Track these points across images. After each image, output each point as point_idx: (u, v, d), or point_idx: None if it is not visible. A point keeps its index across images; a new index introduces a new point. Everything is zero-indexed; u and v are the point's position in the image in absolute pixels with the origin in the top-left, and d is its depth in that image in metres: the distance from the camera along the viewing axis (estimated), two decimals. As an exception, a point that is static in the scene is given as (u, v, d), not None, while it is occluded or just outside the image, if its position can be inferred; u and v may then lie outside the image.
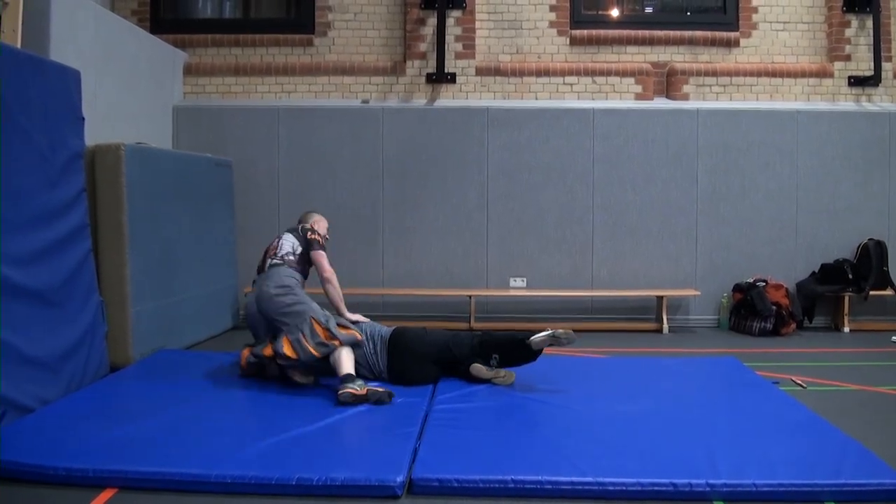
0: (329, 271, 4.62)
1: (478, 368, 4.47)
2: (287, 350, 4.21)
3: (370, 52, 7.39)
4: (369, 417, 3.83)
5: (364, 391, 4.03)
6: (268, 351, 4.32)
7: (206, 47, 7.41)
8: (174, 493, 2.97)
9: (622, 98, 7.25)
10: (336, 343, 4.22)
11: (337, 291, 4.64)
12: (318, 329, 4.23)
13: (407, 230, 7.17)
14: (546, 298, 7.09)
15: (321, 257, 4.64)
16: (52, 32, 4.98)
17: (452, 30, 7.19)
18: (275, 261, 4.60)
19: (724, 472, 3.02)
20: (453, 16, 7.20)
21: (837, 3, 7.20)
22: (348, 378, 4.09)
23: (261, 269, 4.71)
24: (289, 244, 4.67)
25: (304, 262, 4.69)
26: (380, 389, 4.10)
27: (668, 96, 7.32)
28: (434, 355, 4.49)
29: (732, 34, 7.34)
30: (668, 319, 6.90)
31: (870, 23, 7.16)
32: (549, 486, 2.95)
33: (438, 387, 4.39)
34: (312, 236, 4.69)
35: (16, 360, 3.73)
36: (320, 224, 4.98)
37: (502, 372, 4.48)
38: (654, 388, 4.43)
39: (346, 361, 4.21)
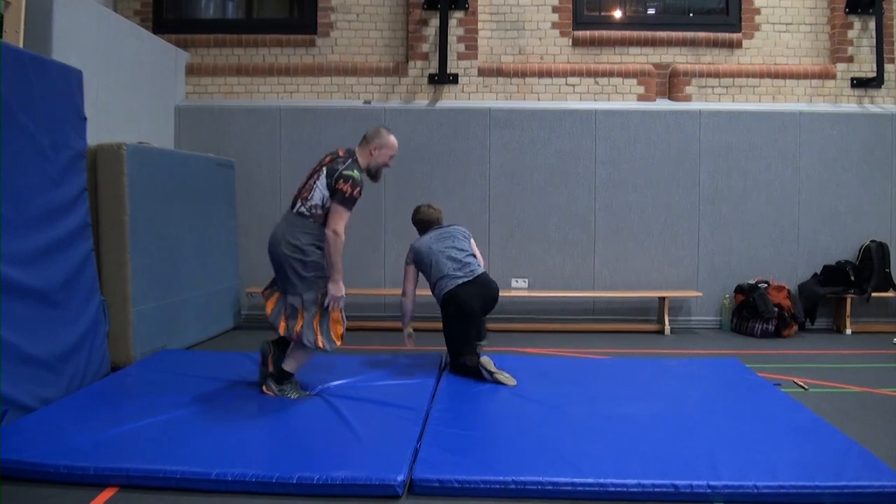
0: (336, 232, 3.93)
1: (487, 361, 4.57)
2: (282, 327, 4.06)
3: (372, 52, 7.39)
4: (370, 417, 3.83)
5: (288, 396, 4.14)
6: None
7: (209, 47, 7.42)
8: (175, 492, 2.98)
9: (624, 99, 7.25)
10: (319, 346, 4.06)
11: (331, 255, 3.95)
12: (316, 326, 4.03)
13: (409, 231, 7.14)
14: (548, 299, 7.09)
15: (337, 213, 3.94)
16: (55, 32, 5.00)
17: (455, 31, 7.19)
18: (301, 209, 4.04)
19: (725, 473, 3.02)
20: (456, 17, 7.20)
21: (840, 4, 7.19)
22: (286, 377, 4.17)
23: (293, 203, 4.11)
24: (319, 193, 4.00)
25: None
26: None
27: (670, 97, 7.32)
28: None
29: (735, 35, 7.33)
30: (669, 321, 6.89)
31: (872, 24, 7.15)
32: (550, 487, 2.95)
33: (439, 387, 4.40)
34: (340, 186, 3.93)
35: (17, 359, 3.73)
36: (381, 152, 4.16)
37: (507, 373, 4.52)
38: (656, 390, 4.43)
39: (301, 359, 4.18)
